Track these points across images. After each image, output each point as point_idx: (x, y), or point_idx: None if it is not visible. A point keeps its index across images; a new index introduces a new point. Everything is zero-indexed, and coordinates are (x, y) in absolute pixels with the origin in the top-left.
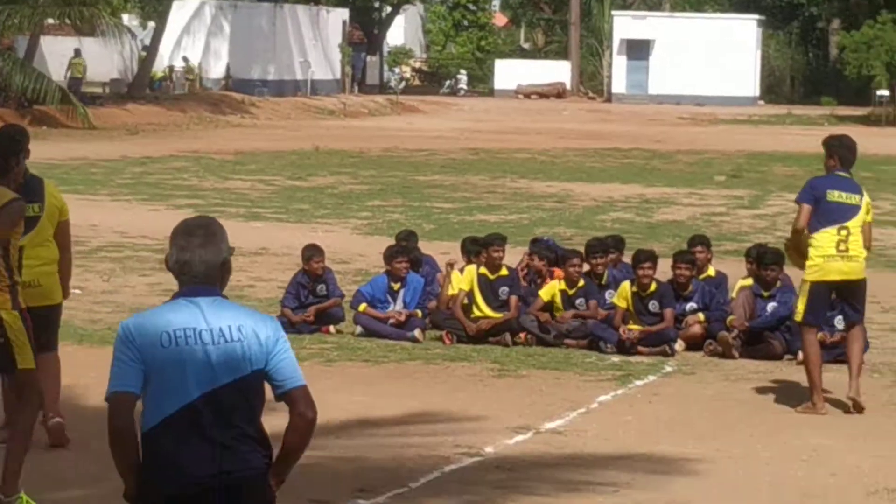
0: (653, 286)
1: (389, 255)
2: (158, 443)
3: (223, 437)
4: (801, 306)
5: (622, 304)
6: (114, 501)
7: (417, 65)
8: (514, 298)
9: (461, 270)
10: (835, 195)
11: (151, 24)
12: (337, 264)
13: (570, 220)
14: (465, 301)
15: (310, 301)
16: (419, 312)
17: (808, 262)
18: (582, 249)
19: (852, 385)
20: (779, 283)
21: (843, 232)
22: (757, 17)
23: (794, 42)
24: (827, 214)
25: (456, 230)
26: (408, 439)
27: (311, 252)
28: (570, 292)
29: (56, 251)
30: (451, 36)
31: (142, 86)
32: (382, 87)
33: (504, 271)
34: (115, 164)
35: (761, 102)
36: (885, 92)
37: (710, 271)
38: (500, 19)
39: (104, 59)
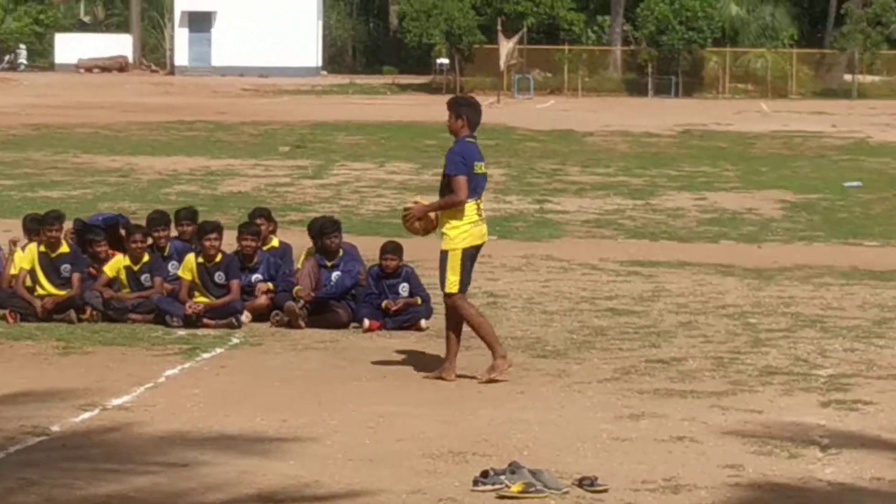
0: (218, 257)
1: None
2: None
3: None
4: (455, 276)
5: (187, 276)
6: None
7: None
8: (76, 276)
9: (23, 249)
10: (480, 168)
11: None
12: None
13: (134, 193)
14: (28, 280)
15: None
16: None
17: (454, 232)
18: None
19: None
20: (341, 253)
21: (480, 201)
22: None
23: (356, 12)
24: (473, 185)
25: (18, 207)
26: None
27: None
28: (135, 268)
29: None
30: (9, 10)
31: None
32: None
33: (65, 248)
34: None
35: (324, 73)
36: (445, 60)
37: (274, 242)
38: None
39: None
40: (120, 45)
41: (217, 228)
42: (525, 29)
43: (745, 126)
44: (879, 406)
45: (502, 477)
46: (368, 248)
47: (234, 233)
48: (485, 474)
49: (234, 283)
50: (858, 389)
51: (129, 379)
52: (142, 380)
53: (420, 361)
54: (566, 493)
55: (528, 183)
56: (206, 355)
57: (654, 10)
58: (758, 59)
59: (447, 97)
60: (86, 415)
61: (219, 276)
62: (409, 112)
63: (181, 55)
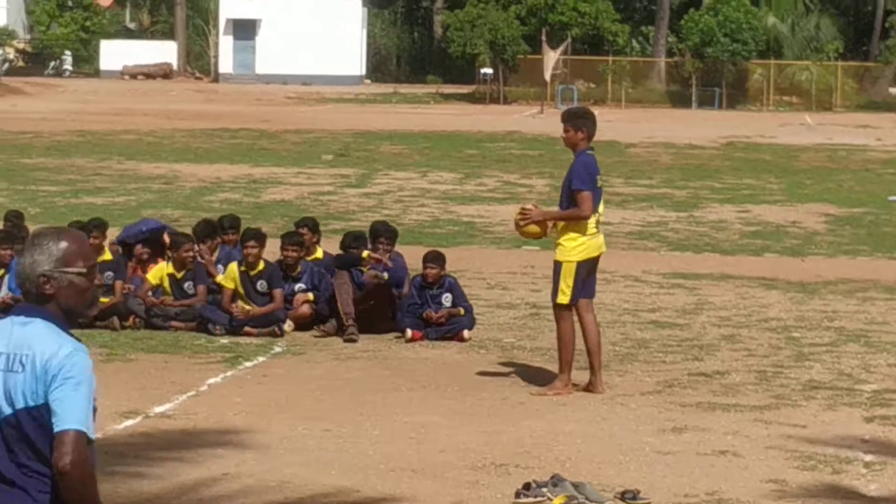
0: (261, 265)
1: None
2: None
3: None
4: (567, 288)
5: (230, 284)
6: None
7: (21, 46)
8: (118, 283)
9: None
10: (599, 180)
11: None
12: None
13: (178, 201)
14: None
15: None
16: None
17: (571, 244)
18: (191, 231)
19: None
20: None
21: (598, 214)
22: None
23: (400, 21)
24: (597, 198)
25: (62, 213)
26: None
27: None
28: (179, 276)
29: None
30: (55, 16)
31: None
32: None
33: (108, 256)
34: None
35: (368, 81)
36: (488, 70)
37: (319, 253)
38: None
39: None
40: (165, 52)
41: (256, 236)
42: (569, 40)
43: (789, 139)
44: None
45: (544, 489)
46: (411, 258)
47: (278, 241)
48: (527, 486)
49: (277, 293)
50: None
51: (172, 387)
52: (184, 388)
53: (462, 372)
54: None
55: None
56: (248, 364)
57: (699, 22)
58: (802, 71)
59: (490, 107)
60: (128, 422)
61: (261, 285)
62: (453, 122)
63: (225, 63)
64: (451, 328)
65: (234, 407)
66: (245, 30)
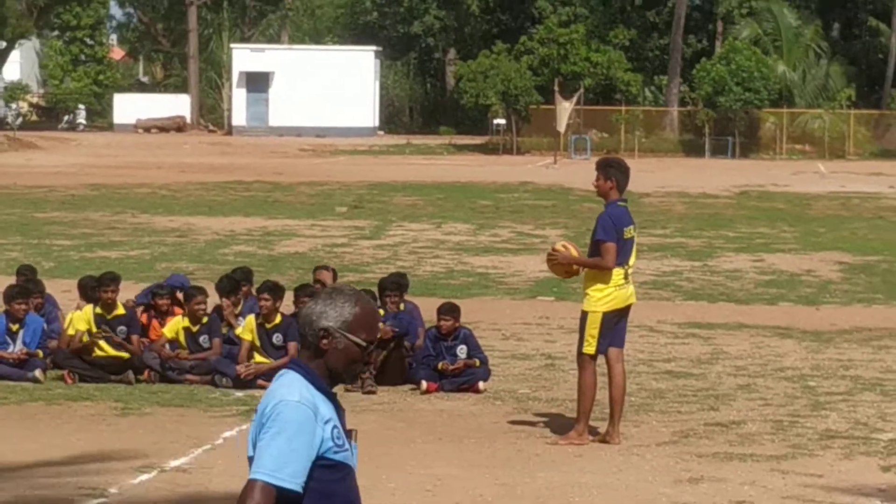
0: (277, 319)
1: (8, 296)
2: None
3: None
4: (593, 338)
5: (248, 336)
6: None
7: (35, 100)
8: (133, 337)
9: (79, 309)
10: (629, 231)
11: None
12: None
13: (192, 254)
14: (86, 339)
15: None
16: (40, 353)
17: (598, 294)
18: (205, 284)
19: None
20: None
21: (627, 266)
22: (374, 48)
23: (412, 72)
24: (623, 251)
25: (77, 268)
26: (31, 482)
27: None
28: (194, 329)
29: None
30: (68, 70)
31: None
32: None
33: (120, 310)
34: None
35: (381, 133)
36: (501, 121)
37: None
38: (117, 53)
39: None
40: (178, 105)
41: (271, 289)
42: (582, 90)
43: (802, 187)
44: None
45: None
46: (425, 310)
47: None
48: None
49: (292, 346)
50: None
51: (187, 440)
52: (200, 441)
53: (478, 423)
54: None
55: (585, 244)
56: None
57: (711, 72)
58: (815, 119)
59: (503, 157)
60: (144, 476)
61: (277, 338)
62: (466, 172)
63: (239, 115)
64: (467, 380)
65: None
66: (258, 82)
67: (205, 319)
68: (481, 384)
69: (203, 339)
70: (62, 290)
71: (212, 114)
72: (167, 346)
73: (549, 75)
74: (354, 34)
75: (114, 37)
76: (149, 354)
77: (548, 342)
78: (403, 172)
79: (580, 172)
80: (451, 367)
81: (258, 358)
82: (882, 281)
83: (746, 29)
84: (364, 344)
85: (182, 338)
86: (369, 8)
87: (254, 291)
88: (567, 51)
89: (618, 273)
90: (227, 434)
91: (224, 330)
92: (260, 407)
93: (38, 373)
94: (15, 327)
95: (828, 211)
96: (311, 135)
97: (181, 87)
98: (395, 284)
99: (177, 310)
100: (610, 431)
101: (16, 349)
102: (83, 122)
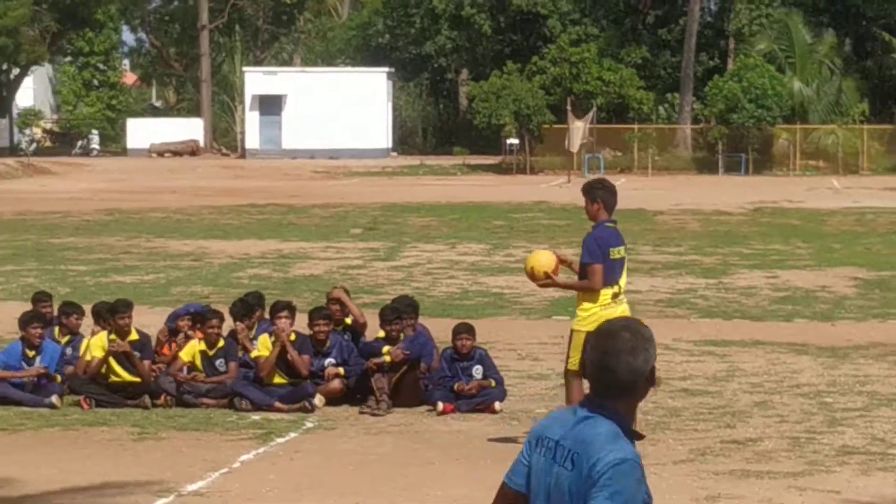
0: (292, 337)
1: (25, 322)
2: None
3: None
4: (576, 356)
5: (265, 353)
6: None
7: (48, 126)
8: (147, 362)
9: (93, 334)
10: (617, 253)
11: None
12: None
13: (207, 278)
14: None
15: None
16: (58, 377)
17: (583, 314)
18: (220, 307)
19: None
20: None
21: (617, 286)
22: (387, 69)
23: (425, 93)
24: (610, 272)
25: (92, 293)
26: None
27: None
28: (210, 353)
29: None
30: (81, 96)
31: None
32: (13, 150)
33: (134, 336)
34: None
35: (394, 154)
36: (515, 141)
37: (348, 320)
38: (130, 78)
39: None
40: (191, 129)
41: (287, 307)
42: (595, 108)
43: (816, 203)
44: None
45: None
46: (441, 330)
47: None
48: None
49: (305, 359)
50: None
51: (204, 464)
52: (216, 465)
53: (494, 444)
54: None
55: None
56: (280, 440)
57: (724, 89)
58: (828, 135)
59: (517, 177)
60: (161, 501)
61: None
62: (480, 193)
63: (252, 138)
64: (483, 400)
65: (267, 483)
66: (271, 105)
67: (221, 343)
68: (497, 405)
69: (219, 362)
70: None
71: (225, 137)
72: (184, 369)
73: (562, 94)
74: (367, 56)
75: (126, 62)
76: (164, 379)
77: (563, 361)
78: (417, 193)
79: None
80: (466, 388)
81: (276, 378)
82: None
83: (762, 42)
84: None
85: (198, 361)
86: (381, 30)
87: (266, 315)
88: (579, 70)
89: (605, 294)
90: (244, 457)
91: (239, 353)
92: (585, 460)
93: (54, 398)
94: (31, 353)
95: (842, 226)
96: (324, 157)
97: (194, 111)
98: (411, 307)
99: (197, 334)
100: None
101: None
102: (97, 147)
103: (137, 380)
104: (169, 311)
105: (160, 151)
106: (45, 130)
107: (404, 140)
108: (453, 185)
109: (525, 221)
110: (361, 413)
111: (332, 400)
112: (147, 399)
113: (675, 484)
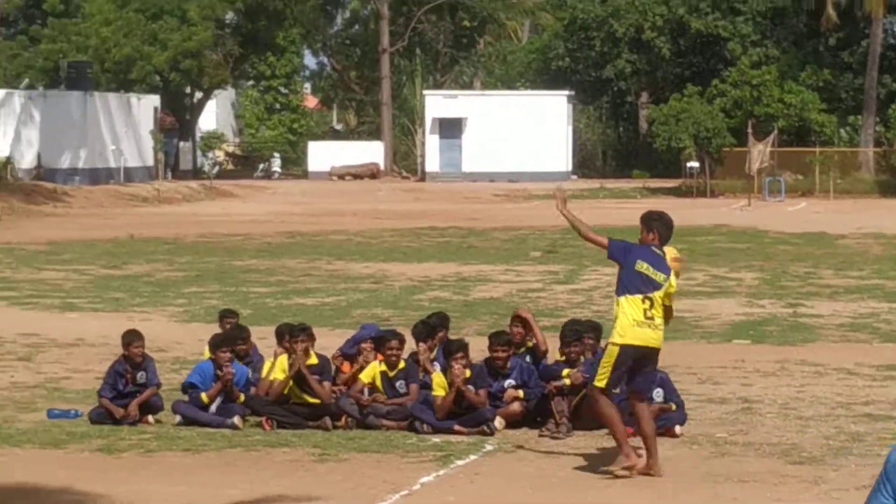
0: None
1: (214, 345)
2: None
3: None
4: (605, 371)
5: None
6: None
7: (231, 149)
8: (327, 384)
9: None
10: (643, 266)
11: None
12: (155, 352)
13: (387, 300)
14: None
15: (128, 390)
16: (242, 396)
17: (616, 328)
18: (401, 329)
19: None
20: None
21: (647, 302)
22: (567, 92)
23: (605, 116)
24: (632, 280)
25: (273, 315)
26: None
27: (131, 337)
28: (391, 375)
29: None
30: (263, 119)
31: None
32: (196, 173)
33: (313, 360)
34: None
35: (574, 177)
36: (695, 164)
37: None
38: (311, 101)
39: None
40: (371, 152)
41: (461, 348)
42: (776, 131)
43: None
44: None
45: None
46: None
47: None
48: None
49: (481, 393)
50: None
51: (385, 486)
52: (397, 487)
53: (675, 468)
54: None
55: (781, 287)
56: (460, 462)
57: None
58: None
59: (697, 200)
60: None
61: (399, 385)
62: None
63: (432, 161)
64: (663, 424)
65: None
66: (451, 128)
67: (402, 365)
68: (678, 428)
69: (399, 384)
70: (258, 337)
71: (405, 160)
72: (365, 391)
73: (742, 117)
74: (546, 79)
75: (307, 85)
76: (346, 400)
77: (744, 385)
78: (597, 216)
79: (775, 215)
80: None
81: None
82: None
83: None
84: None
85: (379, 382)
86: (561, 53)
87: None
88: (760, 92)
89: (635, 305)
90: (424, 479)
91: (420, 375)
92: None
93: (236, 420)
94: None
95: None
96: (503, 180)
97: (374, 134)
98: (592, 328)
99: (379, 356)
100: (651, 464)
101: (216, 405)
102: (278, 170)
103: (318, 401)
104: (350, 334)
105: (341, 174)
106: (227, 154)
107: (584, 163)
108: (633, 209)
109: (706, 244)
110: (541, 436)
111: (512, 423)
112: (328, 421)
113: None
